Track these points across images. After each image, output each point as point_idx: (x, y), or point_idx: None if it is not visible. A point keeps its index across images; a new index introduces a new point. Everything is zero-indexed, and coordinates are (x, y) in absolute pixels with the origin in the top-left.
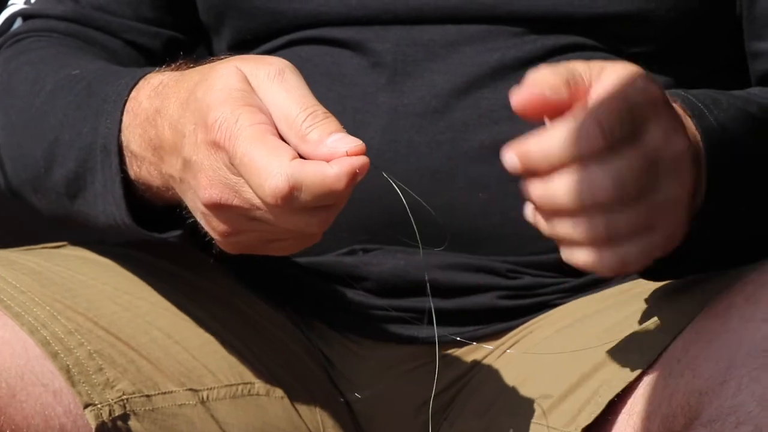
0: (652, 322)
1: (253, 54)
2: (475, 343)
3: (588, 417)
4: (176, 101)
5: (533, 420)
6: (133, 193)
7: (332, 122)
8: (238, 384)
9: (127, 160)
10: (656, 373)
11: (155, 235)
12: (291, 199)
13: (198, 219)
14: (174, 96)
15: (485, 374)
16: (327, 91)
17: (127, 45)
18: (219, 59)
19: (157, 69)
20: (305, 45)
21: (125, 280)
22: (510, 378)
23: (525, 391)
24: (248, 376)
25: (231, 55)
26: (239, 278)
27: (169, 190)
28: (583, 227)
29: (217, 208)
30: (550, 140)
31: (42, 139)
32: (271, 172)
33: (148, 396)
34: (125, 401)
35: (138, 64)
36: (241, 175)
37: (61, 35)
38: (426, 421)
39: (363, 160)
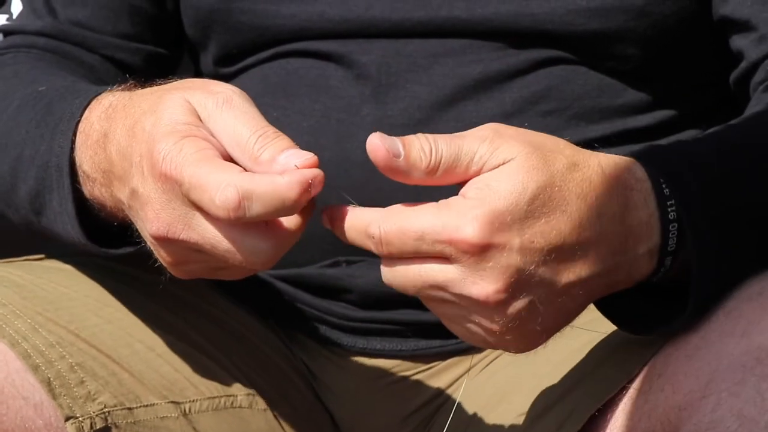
0: (633, 336)
1: (242, 64)
2: (458, 358)
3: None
4: (123, 128)
5: None
6: (89, 210)
7: (283, 140)
8: (221, 396)
9: (81, 179)
10: (636, 388)
11: (111, 252)
12: (242, 210)
13: (148, 244)
14: (121, 121)
15: (467, 389)
16: (312, 102)
17: (105, 60)
18: (168, 83)
19: (109, 88)
20: (291, 57)
21: (107, 293)
22: (491, 392)
23: (506, 405)
24: (231, 388)
25: (194, 76)
26: (221, 290)
27: (121, 212)
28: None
29: (163, 240)
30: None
31: (8, 155)
32: (219, 183)
33: (129, 408)
34: (107, 414)
35: (116, 80)
36: (192, 202)
37: (40, 51)
38: None
39: (316, 171)
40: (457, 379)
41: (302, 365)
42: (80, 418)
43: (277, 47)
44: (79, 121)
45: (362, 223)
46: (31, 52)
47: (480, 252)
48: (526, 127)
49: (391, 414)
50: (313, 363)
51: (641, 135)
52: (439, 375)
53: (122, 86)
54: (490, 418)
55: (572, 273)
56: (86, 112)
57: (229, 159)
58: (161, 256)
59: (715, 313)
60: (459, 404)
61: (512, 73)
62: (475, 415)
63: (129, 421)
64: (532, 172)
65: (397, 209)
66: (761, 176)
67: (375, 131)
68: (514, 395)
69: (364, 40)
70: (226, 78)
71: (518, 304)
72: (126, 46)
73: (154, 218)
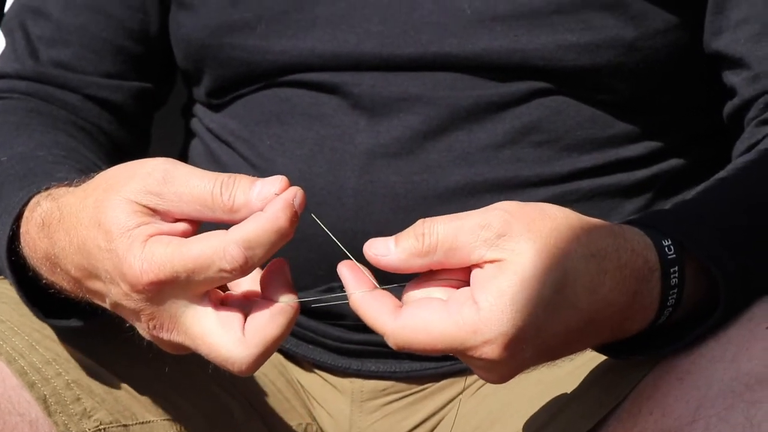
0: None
1: (235, 94)
2: (451, 379)
3: None
4: (70, 247)
5: None
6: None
7: (243, 179)
8: (217, 414)
9: (41, 276)
10: (627, 411)
11: (70, 325)
12: (250, 260)
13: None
14: (66, 240)
15: (461, 410)
16: (306, 131)
17: (87, 99)
18: (89, 179)
19: (39, 190)
20: (284, 87)
21: None
22: (484, 414)
23: (498, 427)
24: (227, 406)
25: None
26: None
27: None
28: None
29: (159, 340)
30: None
31: None
32: (218, 250)
33: (125, 426)
34: (102, 431)
35: (100, 118)
36: (193, 287)
37: (20, 95)
38: None
39: (293, 189)
40: (450, 400)
41: (298, 386)
42: None
43: (269, 80)
44: (18, 222)
45: (378, 326)
46: (12, 98)
47: (497, 364)
48: (520, 164)
49: None
50: (308, 382)
51: (632, 164)
52: (432, 396)
53: (42, 192)
54: None
55: (571, 349)
56: (23, 224)
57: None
58: (163, 347)
59: (704, 338)
60: (453, 426)
61: (504, 104)
62: None
63: None
64: (545, 274)
65: (410, 330)
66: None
67: (366, 160)
68: (506, 417)
69: (355, 72)
70: (219, 108)
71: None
72: (109, 84)
73: (149, 320)
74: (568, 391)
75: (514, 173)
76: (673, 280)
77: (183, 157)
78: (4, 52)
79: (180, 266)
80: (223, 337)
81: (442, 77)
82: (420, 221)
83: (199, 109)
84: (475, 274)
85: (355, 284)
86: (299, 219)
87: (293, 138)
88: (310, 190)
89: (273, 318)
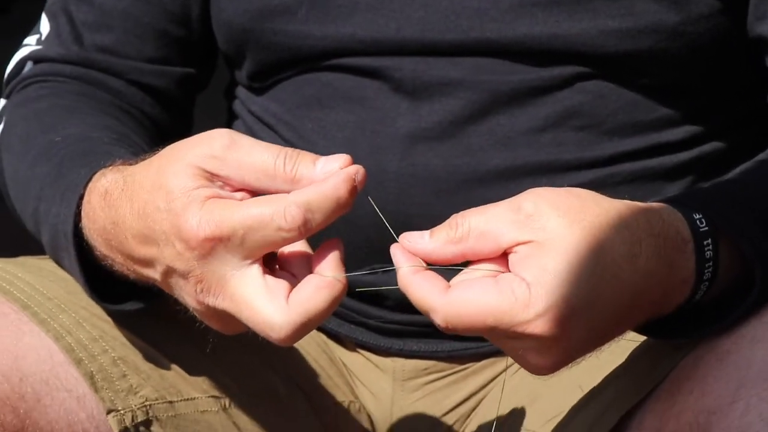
0: None
1: (276, 78)
2: (492, 359)
3: None
4: (131, 213)
5: None
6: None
7: (307, 154)
8: (261, 391)
9: (96, 252)
10: (666, 390)
11: (125, 309)
12: (309, 223)
13: (190, 308)
14: (127, 207)
15: (499, 390)
16: (347, 114)
17: (131, 85)
18: (156, 153)
19: (102, 165)
20: (326, 72)
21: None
22: (522, 394)
23: (537, 407)
24: (270, 383)
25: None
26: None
27: (149, 282)
28: None
29: (206, 306)
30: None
31: (29, 203)
32: (280, 208)
33: (171, 402)
34: (148, 407)
35: (143, 103)
36: (246, 252)
37: (66, 79)
38: None
39: (356, 166)
40: (491, 380)
41: (341, 364)
42: (122, 411)
43: (310, 64)
44: (81, 197)
45: (426, 304)
46: (57, 81)
47: (549, 340)
48: (561, 148)
49: (426, 413)
50: (351, 363)
51: (673, 148)
52: (473, 376)
53: (110, 165)
54: (524, 418)
55: (619, 327)
56: (86, 194)
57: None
58: (203, 318)
59: (746, 318)
60: (492, 404)
61: (545, 89)
62: (510, 414)
63: (170, 414)
64: (582, 247)
65: (460, 303)
66: None
67: (408, 144)
68: (546, 396)
69: (396, 57)
70: (261, 91)
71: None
72: (152, 69)
73: (197, 284)
74: (609, 371)
75: (555, 157)
76: (708, 252)
77: None
78: (48, 36)
79: (238, 223)
80: (267, 302)
81: (483, 62)
82: (453, 215)
83: (241, 91)
84: (512, 258)
85: (406, 262)
86: (356, 197)
87: (335, 121)
88: None
89: (318, 291)
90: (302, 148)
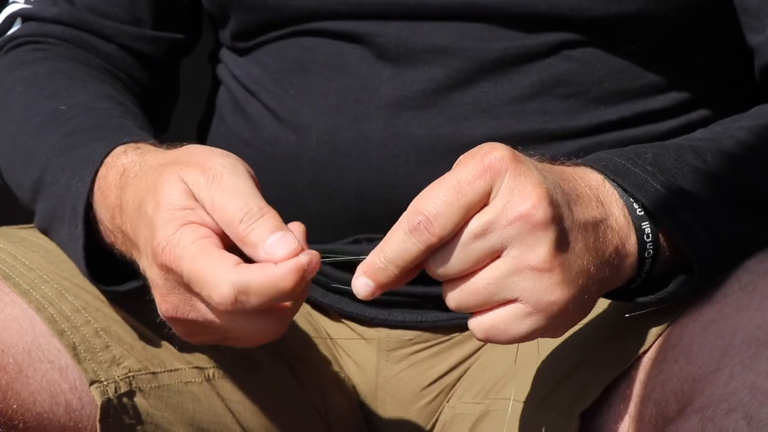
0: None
1: (260, 39)
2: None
3: (585, 401)
4: (133, 205)
5: (533, 403)
6: (98, 241)
7: (268, 221)
8: (244, 362)
9: (100, 226)
10: (651, 359)
11: (117, 290)
12: (240, 304)
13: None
14: (133, 195)
15: (487, 358)
16: (329, 81)
17: (121, 49)
18: (177, 148)
19: (125, 140)
20: (308, 36)
21: None
22: (510, 362)
23: (524, 375)
24: (254, 354)
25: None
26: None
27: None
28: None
29: (173, 320)
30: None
31: (30, 172)
32: (216, 281)
33: (154, 373)
34: (131, 378)
35: (132, 68)
36: (192, 291)
37: (57, 41)
38: (429, 404)
39: (308, 256)
40: (476, 350)
41: (325, 335)
42: (105, 382)
43: (294, 26)
44: (98, 170)
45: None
46: (49, 43)
47: (536, 220)
48: (546, 117)
49: (411, 383)
50: (335, 333)
51: (660, 115)
52: (458, 346)
53: (138, 143)
54: (509, 388)
55: (597, 252)
56: (103, 168)
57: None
58: (175, 328)
59: (730, 287)
60: (480, 372)
61: (531, 56)
62: (495, 383)
63: (153, 385)
64: (530, 163)
65: (436, 181)
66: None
67: (391, 112)
68: (532, 365)
69: (380, 21)
70: (244, 52)
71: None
72: (142, 34)
73: (162, 301)
74: (594, 340)
75: (540, 126)
76: (646, 229)
77: (210, 105)
78: None
79: (185, 269)
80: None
81: (468, 28)
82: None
83: (225, 53)
84: None
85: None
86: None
87: (317, 88)
88: (336, 142)
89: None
90: (285, 117)
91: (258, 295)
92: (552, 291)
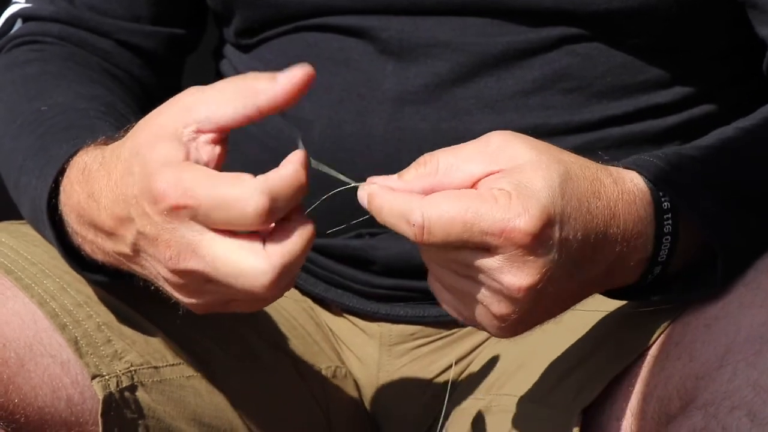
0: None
1: (263, 36)
2: None
3: (587, 398)
4: (107, 185)
5: (534, 399)
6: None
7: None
8: (246, 356)
9: (67, 228)
10: (654, 356)
11: (104, 280)
12: (274, 211)
13: (160, 285)
14: (104, 178)
15: (489, 353)
16: (332, 76)
17: (119, 45)
18: (128, 131)
19: (87, 142)
20: (311, 31)
21: None
22: (512, 358)
23: (527, 370)
24: (255, 348)
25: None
26: None
27: (118, 263)
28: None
29: (177, 272)
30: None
31: (11, 173)
32: (246, 195)
33: (156, 367)
34: (133, 372)
35: (131, 64)
36: (210, 223)
37: (54, 39)
38: (431, 399)
39: (302, 152)
40: (478, 346)
41: (327, 329)
42: (106, 377)
43: (297, 22)
44: (62, 171)
45: (402, 208)
46: (45, 43)
47: (529, 245)
48: (549, 112)
49: (412, 378)
50: (337, 328)
51: (663, 110)
52: (460, 341)
53: (92, 144)
54: (511, 384)
55: (587, 269)
56: (67, 169)
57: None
58: (176, 291)
59: (734, 284)
60: (482, 367)
61: (534, 50)
62: (498, 378)
63: (155, 379)
64: (550, 168)
65: (440, 197)
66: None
67: (394, 107)
68: (534, 361)
69: (383, 16)
70: (248, 49)
71: (542, 298)
72: (140, 30)
73: (166, 250)
74: (596, 337)
75: (543, 120)
76: (665, 204)
77: None
78: None
79: (203, 198)
80: (245, 252)
81: (471, 22)
82: (423, 155)
83: (228, 50)
84: (485, 183)
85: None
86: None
87: (321, 83)
88: (339, 137)
89: (291, 233)
90: (288, 111)
91: (286, 198)
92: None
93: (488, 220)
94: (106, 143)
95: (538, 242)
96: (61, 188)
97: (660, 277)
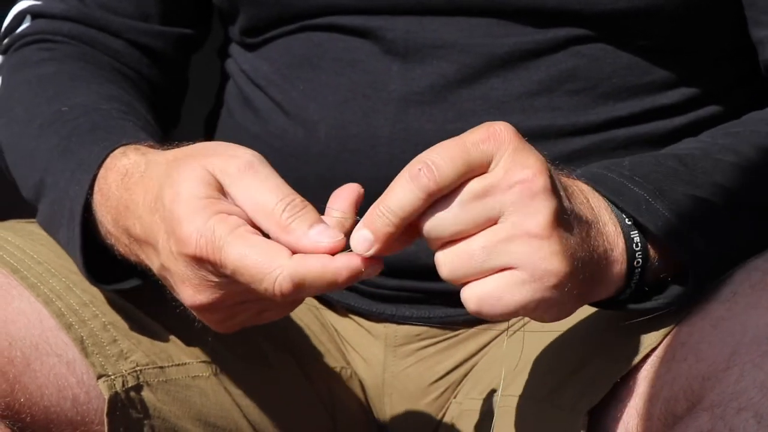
0: None
1: (268, 35)
2: (485, 326)
3: (593, 399)
4: (143, 203)
5: (539, 401)
6: (97, 241)
7: (311, 212)
8: (251, 356)
9: (100, 228)
10: (660, 356)
11: (117, 288)
12: (296, 294)
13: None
14: (141, 194)
15: (493, 355)
16: (338, 76)
17: (130, 45)
18: (183, 145)
19: (123, 142)
20: (317, 31)
21: None
22: (517, 359)
23: (531, 372)
24: (261, 348)
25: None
26: None
27: (145, 265)
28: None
29: (207, 308)
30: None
31: (32, 173)
32: (272, 272)
33: (161, 367)
34: (139, 372)
35: (140, 63)
36: (233, 281)
37: (64, 38)
38: (436, 400)
39: (359, 260)
40: (483, 347)
41: (333, 330)
42: (112, 377)
43: (303, 21)
44: (96, 175)
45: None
46: (56, 41)
47: (537, 188)
48: (555, 113)
49: (418, 379)
50: (342, 328)
51: (669, 111)
52: (466, 342)
53: (134, 145)
54: (517, 383)
55: (586, 240)
56: (102, 169)
57: (253, 225)
58: (206, 319)
59: (740, 285)
60: (487, 369)
61: (540, 51)
62: (501, 381)
63: (161, 379)
64: (533, 152)
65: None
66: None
67: (400, 108)
68: (539, 362)
69: (389, 17)
70: (253, 48)
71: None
72: (150, 29)
73: (194, 292)
74: (602, 337)
75: (548, 122)
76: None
77: (219, 100)
78: None
79: (230, 260)
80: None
81: (477, 23)
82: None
83: (234, 48)
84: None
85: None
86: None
87: (326, 84)
88: (344, 137)
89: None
90: (293, 112)
91: (313, 286)
92: (549, 259)
93: (500, 176)
94: (147, 148)
95: (550, 194)
96: (97, 188)
97: (643, 276)
